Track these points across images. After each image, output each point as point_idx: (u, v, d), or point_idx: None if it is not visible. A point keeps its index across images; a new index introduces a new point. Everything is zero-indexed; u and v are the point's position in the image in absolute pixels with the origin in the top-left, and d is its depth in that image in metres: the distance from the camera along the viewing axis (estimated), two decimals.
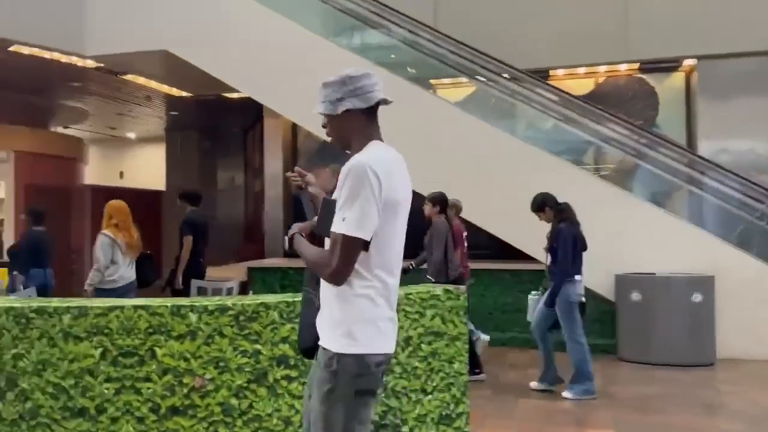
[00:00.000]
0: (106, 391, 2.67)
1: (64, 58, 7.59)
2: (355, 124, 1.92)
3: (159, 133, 13.78)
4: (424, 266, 5.15)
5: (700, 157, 6.94)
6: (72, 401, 2.67)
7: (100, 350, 2.68)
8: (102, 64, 7.91)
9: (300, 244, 1.97)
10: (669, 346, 5.70)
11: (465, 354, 3.16)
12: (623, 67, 8.22)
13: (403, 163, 1.98)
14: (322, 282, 1.89)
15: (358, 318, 1.82)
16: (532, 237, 5.54)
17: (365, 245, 1.78)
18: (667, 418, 4.19)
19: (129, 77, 8.67)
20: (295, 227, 2.06)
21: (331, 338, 1.84)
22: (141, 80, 8.88)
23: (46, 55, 7.43)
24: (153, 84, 9.20)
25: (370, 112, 1.93)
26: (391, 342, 1.88)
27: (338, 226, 1.77)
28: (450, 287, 3.17)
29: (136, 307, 2.72)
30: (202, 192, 6.63)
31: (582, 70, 8.35)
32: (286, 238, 2.06)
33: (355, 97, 1.89)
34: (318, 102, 1.95)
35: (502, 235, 6.39)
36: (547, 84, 7.17)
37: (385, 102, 1.95)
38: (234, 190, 13.16)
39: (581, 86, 8.33)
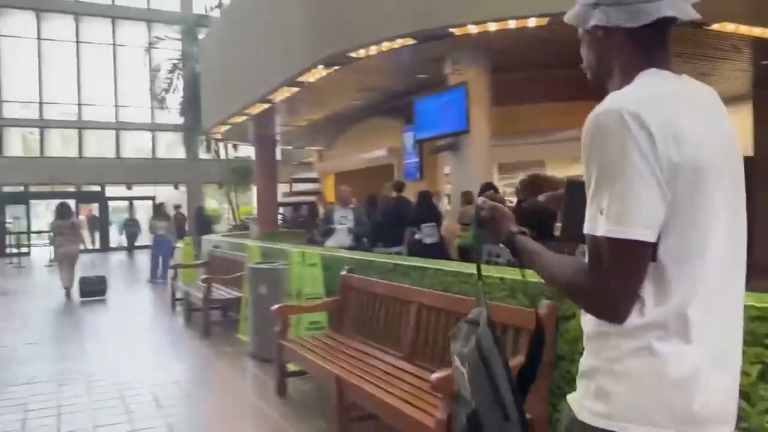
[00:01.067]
0: None
1: None
2: (616, 49, 1.16)
3: (741, 92, 11.96)
4: None
5: None
6: None
7: None
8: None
9: (527, 248, 1.24)
10: None
11: None
12: None
13: (705, 97, 1.13)
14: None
15: (621, 373, 1.07)
16: None
17: (652, 251, 1.02)
18: None
19: (716, 27, 7.54)
20: (510, 218, 1.32)
21: (578, 392, 1.16)
22: (729, 27, 7.62)
23: None
24: (742, 29, 7.79)
25: (646, 36, 1.13)
26: (689, 427, 1.04)
27: (595, 224, 1.04)
28: None
29: None
30: None
31: None
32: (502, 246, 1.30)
33: (616, 5, 1.12)
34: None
35: None
36: None
37: (677, 21, 1.09)
38: None
39: None
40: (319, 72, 9.90)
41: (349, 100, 12.32)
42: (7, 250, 20.38)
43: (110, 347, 6.24)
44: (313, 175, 25.10)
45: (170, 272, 12.33)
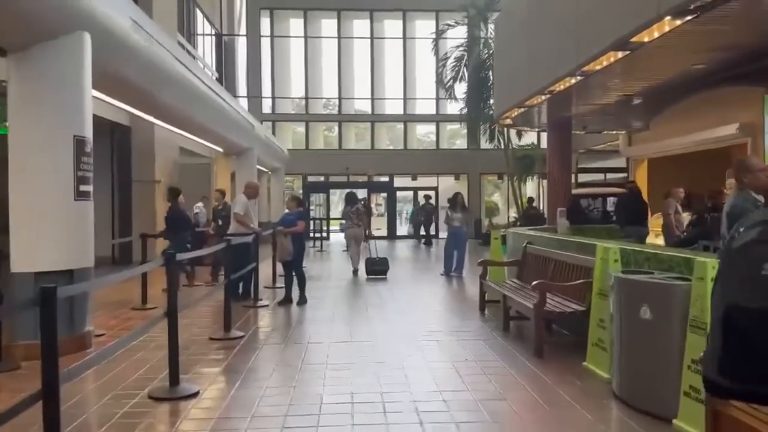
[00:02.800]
0: None
1: None
2: None
3: None
4: None
5: None
6: None
7: None
8: None
9: None
10: None
11: None
12: None
13: None
14: None
15: None
16: None
17: None
18: None
19: None
20: None
21: None
22: None
23: None
24: None
25: None
26: None
27: None
28: None
29: None
30: None
31: None
32: None
33: None
34: None
35: None
36: None
37: None
38: None
39: None
40: (663, 27, 7.83)
41: (686, 65, 9.86)
42: (311, 235, 22.24)
43: (428, 356, 5.29)
44: (604, 164, 22.45)
45: (465, 266, 11.55)
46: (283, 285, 8.53)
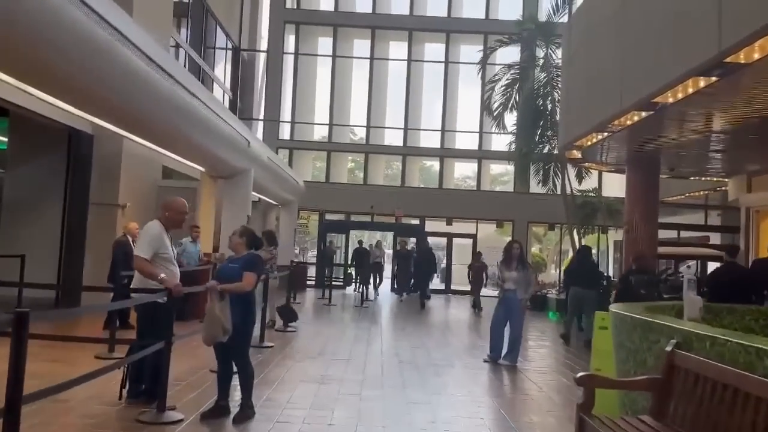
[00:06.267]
0: None
1: None
2: None
3: None
4: None
5: None
6: None
7: None
8: None
9: None
10: None
11: None
12: None
13: None
14: None
15: None
16: None
17: None
18: None
19: None
20: None
21: None
22: None
23: None
24: None
25: None
26: None
27: None
28: None
29: None
30: None
31: None
32: None
33: None
34: None
35: None
36: None
37: None
38: None
39: None
40: None
41: None
42: (324, 282, 18.67)
43: None
44: (672, 219, 18.47)
45: (520, 349, 7.86)
46: (224, 375, 4.95)
